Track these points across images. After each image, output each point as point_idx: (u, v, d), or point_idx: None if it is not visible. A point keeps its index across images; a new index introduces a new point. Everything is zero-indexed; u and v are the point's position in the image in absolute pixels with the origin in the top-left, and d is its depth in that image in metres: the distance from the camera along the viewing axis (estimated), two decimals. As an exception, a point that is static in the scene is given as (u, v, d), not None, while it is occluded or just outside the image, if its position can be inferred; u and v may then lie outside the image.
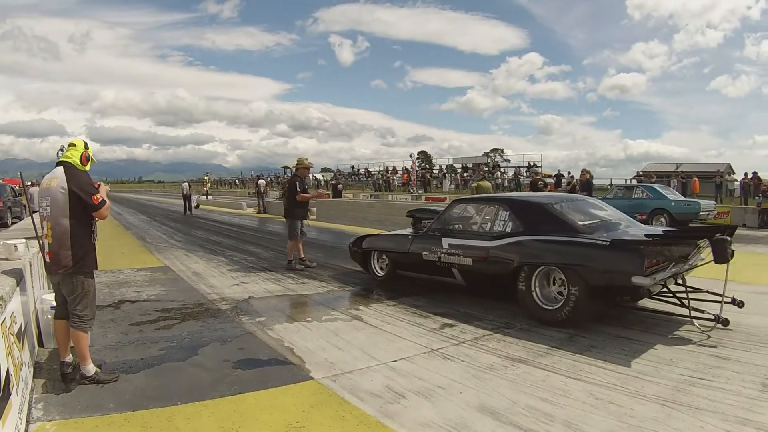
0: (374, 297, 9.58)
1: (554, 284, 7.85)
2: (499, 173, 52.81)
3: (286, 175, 56.14)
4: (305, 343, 6.91)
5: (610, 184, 38.27)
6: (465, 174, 51.02)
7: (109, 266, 12.28)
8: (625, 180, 40.96)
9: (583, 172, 22.73)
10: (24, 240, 7.16)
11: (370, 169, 69.10)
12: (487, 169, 53.85)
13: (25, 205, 27.98)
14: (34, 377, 5.63)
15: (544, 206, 8.75)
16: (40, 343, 6.65)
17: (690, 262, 7.52)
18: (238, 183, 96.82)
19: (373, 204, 30.17)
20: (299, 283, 10.97)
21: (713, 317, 7.17)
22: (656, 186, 23.48)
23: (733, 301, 7.90)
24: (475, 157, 64.37)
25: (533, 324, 7.64)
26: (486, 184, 20.42)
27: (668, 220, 19.77)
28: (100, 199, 5.59)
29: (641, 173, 44.86)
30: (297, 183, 12.89)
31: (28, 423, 4.57)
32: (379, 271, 11.03)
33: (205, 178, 73.66)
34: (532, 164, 51.73)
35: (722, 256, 7.05)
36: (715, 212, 23.07)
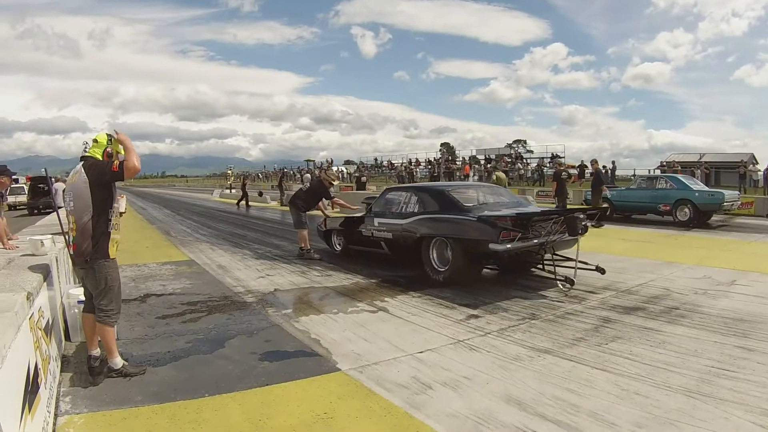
0: (399, 288, 9.59)
1: (446, 251, 10.01)
2: (521, 164, 52.58)
3: (309, 168, 56.27)
4: (331, 334, 6.95)
5: (633, 175, 38.07)
6: (488, 165, 50.76)
7: (134, 260, 12.47)
8: (648, 170, 40.71)
9: (593, 162, 22.67)
10: (50, 235, 7.24)
11: (393, 161, 68.86)
12: (510, 160, 53.57)
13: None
14: (61, 371, 5.70)
15: (440, 192, 11.13)
16: (67, 337, 6.73)
17: (552, 236, 9.24)
18: (261, 176, 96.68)
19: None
20: (325, 275, 11.01)
21: (564, 278, 9.14)
22: (680, 176, 23.20)
23: (596, 268, 9.87)
24: (498, 149, 64.15)
25: (558, 315, 7.68)
26: (501, 175, 20.71)
27: (692, 210, 19.61)
28: (118, 165, 5.45)
29: (664, 163, 44.57)
30: (321, 191, 14.03)
31: (56, 416, 4.64)
32: (338, 246, 13.91)
33: (229, 171, 73.84)
34: (555, 155, 51.51)
35: (573, 230, 9.42)
36: (739, 202, 22.85)
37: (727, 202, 19.84)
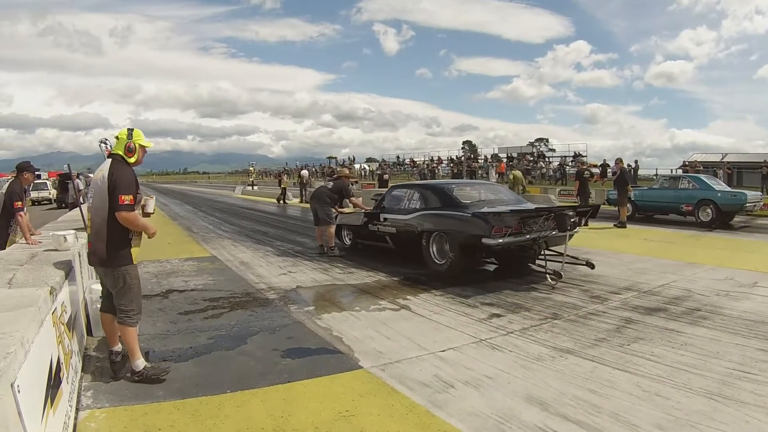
0: (422, 287, 9.60)
1: (445, 245, 10.56)
2: (543, 163, 52.45)
3: (330, 165, 56.40)
4: (353, 332, 6.98)
5: (656, 175, 37.90)
6: (510, 163, 50.64)
7: (156, 256, 12.48)
8: (671, 170, 40.47)
9: (617, 161, 22.60)
10: (73, 231, 7.30)
11: (415, 159, 68.82)
12: (532, 159, 53.47)
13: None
14: (83, 365, 5.77)
15: (440, 189, 11.93)
16: (89, 332, 6.80)
17: (543, 232, 9.86)
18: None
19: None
20: (347, 272, 11.07)
21: (553, 272, 9.88)
22: (702, 176, 23.02)
23: (587, 263, 10.47)
24: (520, 147, 64.01)
25: (581, 315, 7.68)
26: (518, 173, 20.84)
27: (714, 211, 19.48)
28: (126, 201, 5.28)
29: (687, 163, 44.35)
30: (346, 189, 14.30)
31: (77, 410, 4.70)
32: (348, 241, 14.55)
33: (251, 168, 73.91)
34: (577, 154, 51.40)
35: (563, 226, 9.89)
36: (762, 203, 22.64)
37: (749, 202, 19.73)
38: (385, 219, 12.36)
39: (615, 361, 5.79)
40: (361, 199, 15.95)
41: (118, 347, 5.62)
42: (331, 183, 14.48)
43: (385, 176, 41.41)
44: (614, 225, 19.21)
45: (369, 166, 63.33)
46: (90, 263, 5.80)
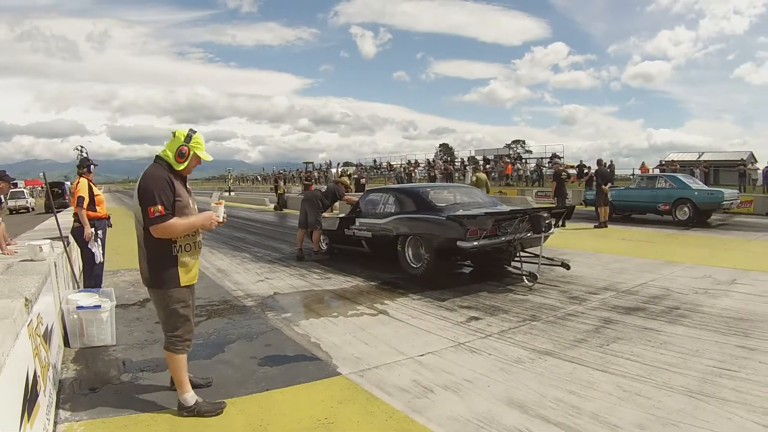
0: (399, 291, 9.57)
1: (420, 248, 10.61)
2: (520, 165, 52.63)
3: (308, 170, 56.54)
4: (332, 338, 6.93)
5: (633, 174, 38.14)
6: (487, 166, 50.85)
7: (133, 264, 12.26)
8: (649, 170, 40.73)
9: (598, 162, 22.71)
10: (48, 241, 7.19)
11: (392, 163, 69.02)
12: (509, 160, 53.63)
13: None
14: (61, 378, 5.67)
15: (415, 193, 11.95)
16: (66, 343, 6.69)
17: (518, 234, 9.95)
18: (260, 179, 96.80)
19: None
20: (324, 278, 11.00)
21: (528, 273, 9.80)
22: (679, 175, 23.29)
23: (562, 264, 10.56)
24: (497, 149, 64.39)
25: (559, 316, 7.67)
26: (482, 176, 20.89)
27: (692, 209, 19.68)
28: (156, 213, 4.59)
29: (664, 163, 44.65)
30: (339, 193, 14.73)
31: (56, 423, 4.62)
32: (324, 246, 14.20)
33: (228, 174, 73.97)
34: (554, 155, 51.63)
35: (537, 228, 9.93)
36: (739, 201, 22.94)
37: (726, 200, 19.97)
38: (361, 223, 12.42)
39: (594, 362, 5.78)
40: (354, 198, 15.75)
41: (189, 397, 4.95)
42: (325, 187, 14.86)
43: (362, 180, 41.52)
44: (595, 226, 19.29)
45: (346, 170, 63.36)
46: (143, 282, 5.03)
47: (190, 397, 4.91)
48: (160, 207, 4.60)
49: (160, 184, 4.71)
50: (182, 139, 4.91)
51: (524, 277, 9.82)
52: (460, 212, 10.35)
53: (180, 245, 4.84)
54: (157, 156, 4.96)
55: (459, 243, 9.43)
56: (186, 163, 4.95)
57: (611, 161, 38.63)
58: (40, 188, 35.62)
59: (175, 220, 4.69)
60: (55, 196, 35.59)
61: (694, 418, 4.40)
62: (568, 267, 10.55)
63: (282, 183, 40.42)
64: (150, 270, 4.82)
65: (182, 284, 4.89)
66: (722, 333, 6.66)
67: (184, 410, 4.86)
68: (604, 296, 8.79)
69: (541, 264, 10.25)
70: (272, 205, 37.69)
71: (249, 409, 4.89)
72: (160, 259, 4.79)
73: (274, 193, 38.51)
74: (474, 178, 21.47)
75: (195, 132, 5.00)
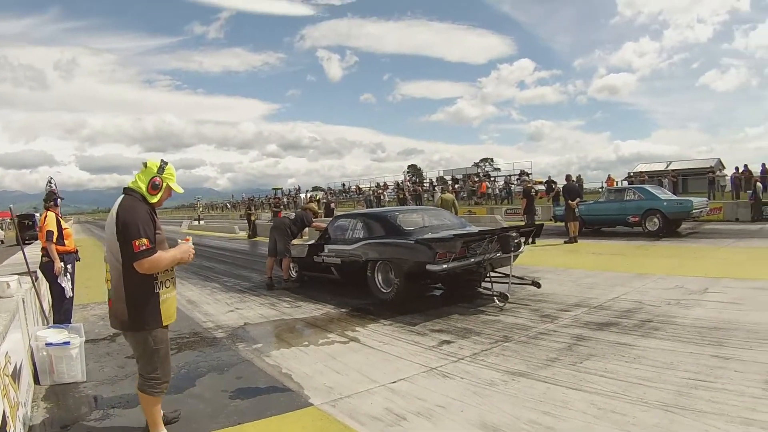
0: (370, 317, 9.51)
1: (390, 273, 10.56)
2: (488, 183, 52.81)
3: (276, 197, 56.50)
4: (303, 368, 6.83)
5: (602, 187, 38.39)
6: (456, 186, 51.01)
7: (102, 298, 12.13)
8: (615, 182, 40.98)
9: (566, 177, 22.83)
10: (16, 276, 7.07)
11: (360, 186, 69.10)
12: (477, 179, 53.80)
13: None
14: (31, 416, 5.55)
15: (382, 217, 11.93)
16: (36, 381, 6.55)
17: (488, 255, 9.90)
18: (229, 206, 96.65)
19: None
20: (294, 306, 10.91)
21: (499, 294, 9.75)
22: (647, 187, 23.61)
23: (533, 283, 10.58)
24: (465, 168, 64.60)
25: (531, 336, 7.63)
26: (447, 196, 20.90)
27: (661, 219, 19.88)
28: (143, 246, 4.41)
29: (632, 174, 44.99)
30: (308, 220, 14.58)
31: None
32: (294, 274, 14.08)
33: (197, 203, 73.73)
34: (522, 172, 51.89)
35: (506, 248, 9.98)
36: (708, 209, 23.19)
37: (695, 209, 20.22)
38: (330, 250, 12.36)
39: (568, 381, 5.73)
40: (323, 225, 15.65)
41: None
42: (293, 214, 14.78)
43: (332, 205, 41.48)
44: (565, 241, 19.34)
45: (316, 195, 63.41)
46: (111, 326, 4.86)
47: None
48: (145, 240, 4.44)
49: (143, 217, 4.56)
50: (155, 170, 4.77)
51: (495, 298, 9.81)
52: (429, 235, 10.33)
53: (161, 281, 4.67)
54: (127, 188, 4.78)
55: (428, 266, 9.42)
56: (160, 195, 4.82)
57: (579, 176, 38.85)
58: (9, 220, 35.47)
59: (160, 254, 4.56)
60: (26, 228, 35.67)
61: (670, 433, 4.34)
62: (538, 285, 10.56)
63: (253, 210, 40.26)
64: (130, 311, 4.56)
65: (164, 323, 4.76)
66: (696, 344, 6.66)
67: None
68: (575, 313, 8.77)
69: (512, 283, 10.27)
70: (243, 233, 37.54)
71: (221, 444, 4.75)
72: (141, 298, 4.59)
73: (247, 221, 38.11)
74: (438, 201, 21.49)
75: (167, 163, 4.88)
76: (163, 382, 4.84)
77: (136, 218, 4.48)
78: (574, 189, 21.27)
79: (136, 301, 4.55)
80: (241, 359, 7.40)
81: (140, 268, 4.42)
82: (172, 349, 7.16)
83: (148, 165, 4.78)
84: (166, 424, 5.00)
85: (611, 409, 4.91)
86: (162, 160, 4.84)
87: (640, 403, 4.98)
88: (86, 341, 6.98)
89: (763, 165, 33.03)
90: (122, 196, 4.73)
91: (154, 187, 4.73)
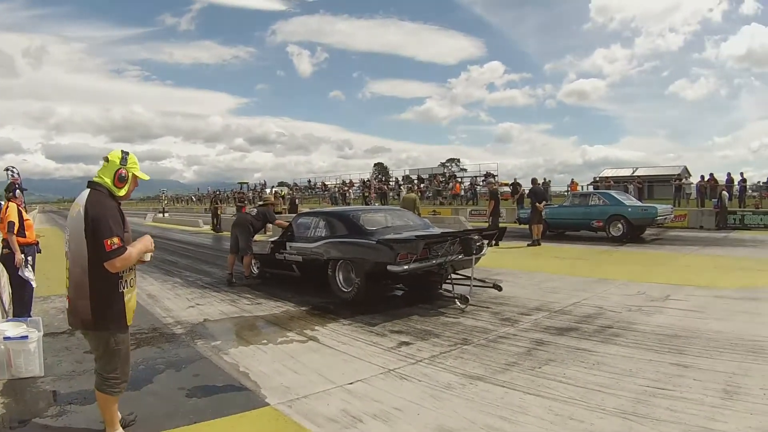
0: (330, 316, 9.45)
1: (351, 272, 10.60)
2: (453, 183, 52.91)
3: (240, 191, 56.28)
4: (261, 367, 6.76)
5: (567, 191, 38.59)
6: (422, 185, 51.21)
7: (62, 291, 11.99)
8: (581, 187, 41.19)
9: (533, 180, 22.97)
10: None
11: (326, 183, 69.25)
12: (443, 179, 53.90)
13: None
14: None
15: (345, 217, 11.90)
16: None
17: (449, 256, 9.93)
18: (194, 200, 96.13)
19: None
20: (255, 303, 10.84)
21: (460, 296, 9.81)
22: (612, 192, 23.78)
23: (494, 286, 10.61)
24: (432, 168, 64.88)
25: (491, 339, 7.61)
26: (410, 196, 20.94)
27: (625, 225, 20.08)
28: (114, 245, 4.29)
29: (598, 179, 45.25)
30: (267, 214, 14.56)
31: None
32: (255, 270, 13.99)
33: (162, 195, 73.25)
34: (488, 173, 52.04)
35: (468, 250, 10.00)
36: (672, 216, 23.38)
37: (660, 216, 20.40)
38: (292, 247, 12.33)
39: (526, 386, 5.71)
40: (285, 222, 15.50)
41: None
42: (255, 210, 14.76)
43: (297, 201, 41.40)
44: (528, 244, 19.39)
45: (281, 190, 63.13)
46: (70, 324, 4.79)
47: None
48: (116, 239, 4.33)
49: (113, 215, 4.45)
50: (117, 162, 4.62)
51: (456, 300, 9.83)
52: (391, 236, 10.38)
53: (126, 280, 4.58)
54: (92, 182, 4.63)
55: (389, 267, 9.44)
56: (127, 187, 4.71)
57: (545, 179, 39.03)
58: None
59: (130, 250, 4.46)
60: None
61: (627, 441, 4.31)
62: (499, 288, 10.59)
63: (219, 203, 39.86)
64: (94, 311, 4.44)
65: (128, 323, 4.68)
66: (656, 351, 6.67)
67: None
68: (536, 317, 8.78)
69: (473, 286, 10.28)
70: (207, 227, 37.33)
71: (177, 442, 4.68)
72: (106, 298, 4.47)
73: (212, 216, 37.42)
74: (401, 198, 21.54)
75: (128, 153, 4.76)
76: (122, 382, 4.74)
77: (106, 216, 4.37)
78: (540, 192, 21.46)
79: (100, 300, 4.44)
80: (199, 356, 7.32)
81: (112, 268, 4.33)
82: (132, 345, 7.04)
83: (110, 159, 4.63)
84: (123, 427, 4.88)
85: (569, 416, 4.89)
86: (122, 151, 4.72)
87: (598, 410, 4.96)
88: (45, 335, 6.90)
89: (729, 174, 33.44)
90: (88, 190, 4.57)
91: (120, 180, 4.61)
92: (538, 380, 5.84)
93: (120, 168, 4.60)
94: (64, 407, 5.54)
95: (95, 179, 4.60)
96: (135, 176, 4.76)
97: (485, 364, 6.51)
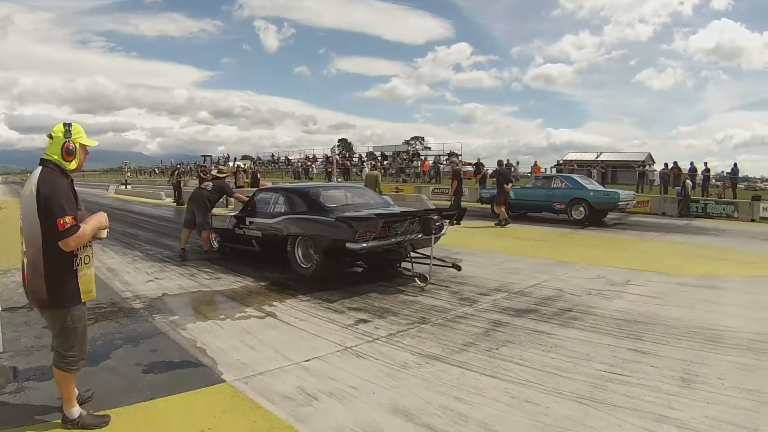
0: (289, 292, 9.43)
1: (310, 249, 10.63)
2: (417, 161, 52.98)
3: (203, 164, 55.96)
4: (218, 342, 6.71)
5: (530, 173, 38.74)
6: (385, 162, 51.25)
7: (17, 264, 11.86)
8: (544, 169, 41.35)
9: (498, 162, 23.09)
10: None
11: (290, 157, 69.03)
12: (407, 156, 53.97)
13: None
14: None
15: (305, 193, 11.88)
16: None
17: (408, 235, 9.99)
18: (157, 172, 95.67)
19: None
20: (214, 278, 10.78)
21: (419, 275, 9.90)
22: (575, 176, 23.99)
23: (453, 265, 10.66)
24: (395, 145, 64.76)
25: (449, 318, 7.62)
26: (373, 173, 20.99)
27: (587, 209, 20.31)
28: (67, 224, 4.24)
29: (561, 162, 45.47)
30: (224, 187, 14.45)
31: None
32: (215, 244, 14.01)
33: (124, 167, 72.65)
34: (452, 152, 52.13)
35: (427, 230, 9.87)
36: (635, 201, 23.58)
37: (622, 201, 20.59)
38: (252, 222, 12.34)
39: (483, 367, 5.71)
40: (243, 196, 15.29)
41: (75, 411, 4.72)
42: (210, 184, 14.32)
43: (258, 174, 41.24)
44: (495, 224, 19.46)
45: (244, 163, 62.70)
46: (29, 303, 4.72)
47: (76, 410, 4.67)
48: (69, 218, 4.26)
49: (65, 192, 4.38)
50: (62, 136, 4.50)
51: (415, 278, 9.92)
52: (350, 213, 10.45)
53: (80, 258, 4.51)
54: (43, 159, 4.53)
55: (348, 245, 9.43)
56: (77, 159, 4.60)
57: (508, 160, 39.17)
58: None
59: (84, 228, 4.39)
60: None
61: (583, 426, 4.36)
62: (459, 268, 10.66)
63: (182, 177, 39.45)
64: (49, 290, 4.39)
65: (83, 300, 4.60)
66: (614, 336, 6.70)
67: (69, 423, 4.62)
68: (495, 297, 8.80)
69: (433, 265, 10.28)
70: (169, 200, 36.98)
71: (133, 419, 4.69)
72: (60, 276, 4.41)
73: (173, 188, 36.82)
74: (363, 177, 21.62)
75: (70, 124, 4.61)
76: (79, 360, 4.69)
77: (58, 194, 4.30)
78: (506, 173, 21.62)
79: (55, 279, 4.39)
80: (157, 331, 7.25)
81: (66, 247, 4.28)
82: (90, 320, 6.94)
83: (53, 135, 4.54)
84: (80, 404, 4.78)
85: (525, 398, 4.90)
86: (64, 124, 4.61)
87: (554, 394, 4.98)
88: (4, 309, 6.91)
89: (692, 163, 33.76)
90: (40, 168, 4.48)
91: (68, 153, 4.50)
92: (495, 361, 5.85)
93: (66, 141, 4.50)
94: (21, 384, 5.47)
95: (45, 156, 4.52)
96: (83, 146, 4.66)
97: (443, 343, 6.51)
